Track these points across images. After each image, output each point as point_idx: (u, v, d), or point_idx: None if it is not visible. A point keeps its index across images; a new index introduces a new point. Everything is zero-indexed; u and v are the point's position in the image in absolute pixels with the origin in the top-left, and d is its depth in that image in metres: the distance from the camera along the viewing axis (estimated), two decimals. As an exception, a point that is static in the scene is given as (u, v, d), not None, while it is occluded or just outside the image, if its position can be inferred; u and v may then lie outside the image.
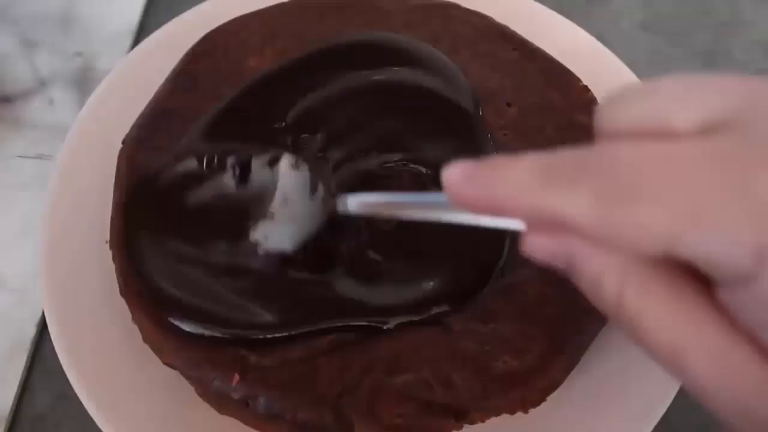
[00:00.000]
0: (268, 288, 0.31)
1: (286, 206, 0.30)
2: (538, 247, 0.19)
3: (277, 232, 0.30)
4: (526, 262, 0.31)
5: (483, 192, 0.18)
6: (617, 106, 0.18)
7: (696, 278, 0.17)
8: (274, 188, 0.31)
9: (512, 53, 0.38)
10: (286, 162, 0.31)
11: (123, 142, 0.36)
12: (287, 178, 0.31)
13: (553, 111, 0.36)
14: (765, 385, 0.16)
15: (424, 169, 0.33)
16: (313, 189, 0.30)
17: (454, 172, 0.19)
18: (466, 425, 0.29)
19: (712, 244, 0.15)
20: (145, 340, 0.31)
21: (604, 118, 0.18)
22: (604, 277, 0.17)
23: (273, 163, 0.31)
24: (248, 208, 0.31)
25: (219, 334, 0.30)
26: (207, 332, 0.30)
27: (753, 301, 0.16)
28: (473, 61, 0.38)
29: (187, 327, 0.30)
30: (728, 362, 0.16)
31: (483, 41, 0.39)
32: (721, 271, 0.16)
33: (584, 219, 0.16)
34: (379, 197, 0.25)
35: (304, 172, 0.31)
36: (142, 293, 0.31)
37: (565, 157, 0.17)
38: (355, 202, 0.26)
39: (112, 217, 0.33)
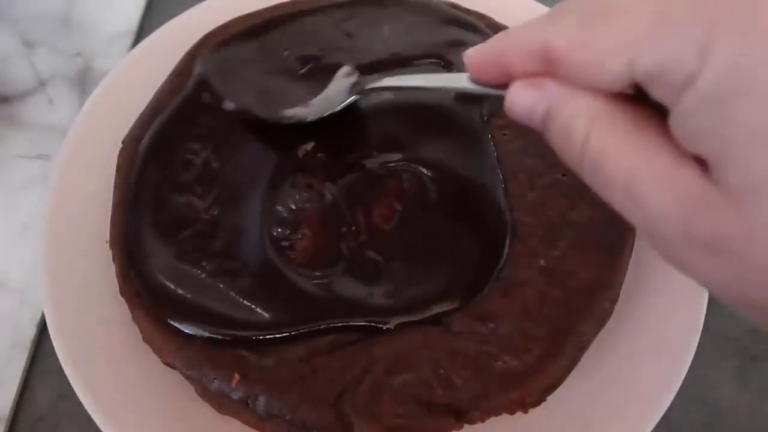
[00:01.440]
0: (268, 288, 0.31)
1: (324, 100, 0.34)
2: (520, 101, 0.22)
3: (304, 108, 0.34)
4: (527, 263, 0.31)
5: (495, 45, 0.23)
6: None
7: (651, 115, 0.19)
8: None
9: None
10: (344, 70, 0.34)
11: (123, 142, 0.36)
12: (340, 82, 0.34)
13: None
14: (705, 197, 0.17)
15: (424, 170, 0.33)
16: (353, 89, 0.33)
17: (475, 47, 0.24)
18: (466, 425, 0.29)
19: (668, 44, 0.17)
20: (145, 340, 0.31)
21: None
22: (575, 120, 0.20)
23: (332, 70, 0.35)
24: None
25: (219, 336, 0.30)
26: (206, 333, 0.30)
27: (694, 106, 0.17)
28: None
29: (186, 328, 0.30)
30: (674, 180, 0.18)
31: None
32: (671, 75, 0.17)
33: (569, 43, 0.19)
34: (394, 80, 0.32)
35: (355, 77, 0.34)
36: (141, 293, 0.31)
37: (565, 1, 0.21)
38: (374, 82, 0.32)
39: (112, 217, 0.33)
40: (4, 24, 0.48)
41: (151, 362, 0.30)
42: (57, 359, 0.31)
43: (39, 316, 0.37)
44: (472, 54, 0.24)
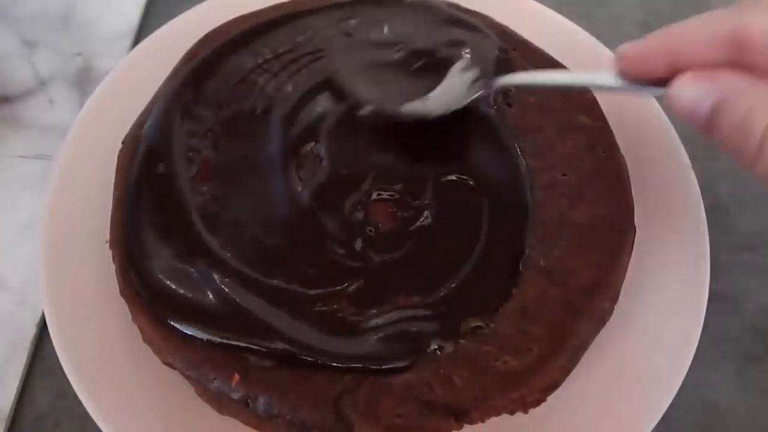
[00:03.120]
0: (275, 299, 0.30)
1: (443, 94, 0.33)
2: (686, 94, 0.21)
3: (429, 108, 0.33)
4: (527, 262, 0.31)
5: (668, 36, 0.22)
6: None
7: None
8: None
9: (512, 53, 0.38)
10: (459, 64, 0.34)
11: (123, 142, 0.36)
12: (458, 76, 0.33)
13: (553, 111, 0.36)
14: None
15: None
16: (474, 83, 0.33)
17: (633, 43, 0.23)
18: (466, 425, 0.29)
19: None
20: (145, 340, 0.31)
21: None
22: (754, 112, 0.19)
23: (447, 63, 0.34)
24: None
25: (218, 339, 0.29)
26: (206, 336, 0.30)
27: None
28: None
29: (186, 329, 0.30)
30: None
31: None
32: None
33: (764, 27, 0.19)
34: (528, 76, 0.32)
35: (475, 72, 0.33)
36: (141, 293, 0.31)
37: None
38: (502, 81, 0.32)
39: (112, 217, 0.33)
40: (4, 24, 0.48)
41: (151, 362, 0.30)
42: (57, 359, 0.31)
43: (39, 316, 0.37)
44: (629, 48, 0.23)
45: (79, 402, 0.30)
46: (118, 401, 0.30)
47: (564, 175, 0.34)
